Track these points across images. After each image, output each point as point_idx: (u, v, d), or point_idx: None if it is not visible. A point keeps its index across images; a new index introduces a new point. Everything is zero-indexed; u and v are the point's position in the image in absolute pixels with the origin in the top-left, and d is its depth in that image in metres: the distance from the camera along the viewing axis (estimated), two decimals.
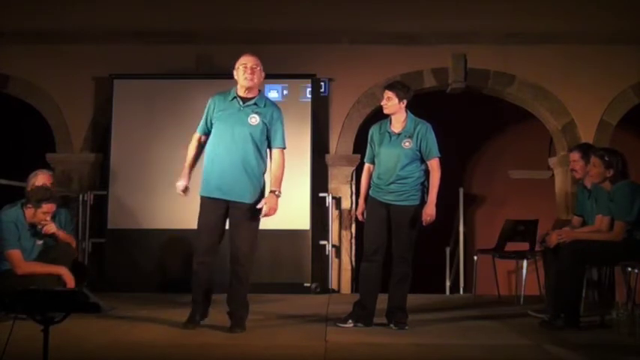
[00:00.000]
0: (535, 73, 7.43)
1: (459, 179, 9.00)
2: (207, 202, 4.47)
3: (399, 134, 4.71)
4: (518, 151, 9.44)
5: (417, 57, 7.44)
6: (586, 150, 5.35)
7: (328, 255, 7.18)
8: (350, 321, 4.66)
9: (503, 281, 7.23)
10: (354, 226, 7.33)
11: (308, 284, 6.88)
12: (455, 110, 8.19)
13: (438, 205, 4.65)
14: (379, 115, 5.06)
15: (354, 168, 7.37)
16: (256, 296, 5.15)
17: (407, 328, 4.60)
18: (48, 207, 4.88)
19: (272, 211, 4.43)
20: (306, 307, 5.78)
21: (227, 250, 4.49)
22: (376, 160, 4.80)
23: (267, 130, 4.48)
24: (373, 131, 4.85)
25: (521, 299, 6.07)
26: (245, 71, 4.43)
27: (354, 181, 7.32)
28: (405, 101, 4.74)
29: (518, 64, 7.43)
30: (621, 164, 4.83)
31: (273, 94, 6.99)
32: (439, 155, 4.73)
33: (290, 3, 7.45)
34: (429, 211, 4.62)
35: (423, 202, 4.67)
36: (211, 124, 4.52)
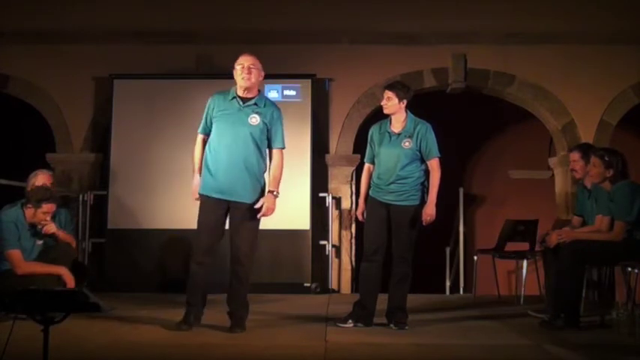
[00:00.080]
0: (535, 73, 7.43)
1: (459, 179, 9.00)
2: (207, 202, 4.46)
3: (399, 134, 4.71)
4: (518, 151, 9.44)
5: (417, 57, 7.44)
6: (586, 150, 5.35)
7: (328, 255, 7.18)
8: (350, 321, 4.66)
9: (503, 281, 7.23)
10: (354, 226, 7.33)
11: (308, 284, 6.88)
12: (455, 110, 8.19)
13: (438, 205, 4.65)
14: (379, 115, 5.06)
15: (354, 168, 7.38)
16: (256, 296, 5.15)
17: (407, 328, 4.60)
18: (48, 207, 4.89)
19: (269, 211, 4.44)
20: (306, 307, 5.78)
21: (227, 250, 4.50)
22: (376, 160, 4.80)
23: (268, 130, 4.48)
24: (373, 131, 4.86)
25: (521, 299, 6.07)
26: (242, 71, 4.42)
27: (354, 181, 7.32)
28: (405, 101, 4.74)
29: (518, 64, 7.43)
30: (621, 164, 4.83)
31: (273, 94, 6.99)
32: (439, 155, 4.73)
33: (290, 3, 7.45)
34: (429, 211, 4.62)
35: (423, 202, 4.67)
36: (211, 123, 4.52)
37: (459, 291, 7.55)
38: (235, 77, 4.47)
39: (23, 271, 4.78)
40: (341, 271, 7.31)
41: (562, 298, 4.68)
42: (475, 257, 6.61)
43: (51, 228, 5.00)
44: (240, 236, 4.44)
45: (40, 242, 5.01)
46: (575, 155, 5.44)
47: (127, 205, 7.07)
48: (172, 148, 6.92)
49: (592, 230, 4.97)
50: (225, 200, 4.43)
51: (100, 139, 7.50)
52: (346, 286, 7.28)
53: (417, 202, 4.67)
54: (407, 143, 4.67)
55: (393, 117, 4.77)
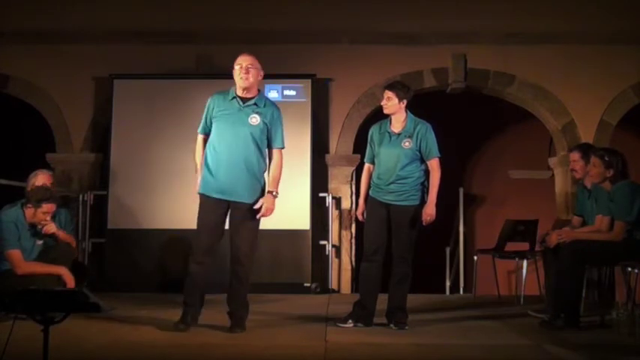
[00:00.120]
0: (535, 73, 7.43)
1: (459, 179, 9.00)
2: (207, 201, 4.46)
3: (398, 134, 4.71)
4: (518, 151, 9.43)
5: (417, 57, 7.44)
6: (586, 150, 5.35)
7: (328, 255, 7.18)
8: (350, 321, 4.66)
9: (503, 281, 7.22)
10: (354, 226, 7.33)
11: (308, 284, 6.88)
12: (455, 110, 8.19)
13: (438, 205, 4.65)
14: (379, 115, 5.06)
15: (354, 168, 7.37)
16: (256, 296, 5.15)
17: (407, 328, 4.60)
18: (48, 207, 4.88)
19: (269, 211, 4.44)
20: (306, 307, 5.78)
21: (227, 250, 4.49)
22: (376, 160, 4.80)
23: (268, 130, 4.48)
24: (373, 131, 4.86)
25: (521, 299, 6.07)
26: (241, 71, 4.42)
27: (354, 181, 7.32)
28: (405, 101, 4.74)
29: (518, 64, 7.43)
30: (621, 164, 4.83)
31: (273, 94, 6.99)
32: (439, 155, 4.73)
33: (290, 3, 7.46)
34: (429, 211, 4.62)
35: (423, 202, 4.67)
36: (211, 123, 4.51)
37: (459, 291, 7.54)
38: (234, 77, 4.48)
39: (23, 271, 4.78)
40: (341, 271, 7.31)
41: (562, 298, 4.68)
42: (475, 257, 6.61)
43: (51, 228, 5.00)
44: (241, 236, 4.44)
45: (40, 242, 5.01)
46: (575, 155, 5.44)
47: (127, 205, 7.07)
48: (172, 148, 6.92)
49: (592, 230, 4.97)
50: (226, 200, 4.42)
51: (100, 139, 7.50)
52: (346, 286, 7.28)
53: (417, 202, 4.67)
54: (407, 143, 4.67)
55: (393, 117, 4.77)
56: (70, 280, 4.84)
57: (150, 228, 6.98)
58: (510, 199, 9.10)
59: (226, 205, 4.44)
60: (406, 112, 4.78)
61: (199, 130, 4.57)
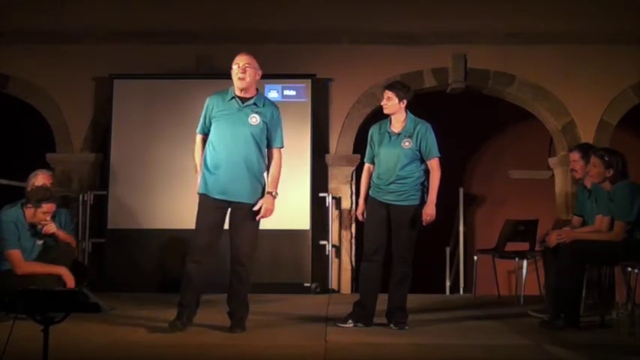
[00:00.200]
0: (535, 73, 7.44)
1: (459, 179, 8.99)
2: (207, 201, 4.44)
3: (398, 134, 4.71)
4: (518, 151, 9.43)
5: (417, 57, 7.44)
6: (586, 150, 5.35)
7: (328, 255, 7.18)
8: (350, 321, 4.66)
9: (503, 281, 7.23)
10: (354, 226, 7.33)
11: (308, 284, 6.88)
12: (455, 110, 8.19)
13: (438, 205, 4.65)
14: (379, 115, 5.06)
15: (354, 168, 7.38)
16: (256, 296, 5.15)
17: (407, 328, 4.60)
18: (48, 207, 4.89)
19: (268, 212, 4.43)
20: (306, 307, 5.78)
21: (227, 250, 4.49)
22: (376, 160, 4.80)
23: (267, 130, 4.48)
24: (373, 131, 4.85)
25: (521, 299, 6.07)
26: (238, 71, 4.42)
27: (354, 181, 7.32)
28: (405, 101, 4.74)
29: (518, 64, 7.43)
30: (621, 164, 4.83)
31: (273, 94, 6.99)
32: (439, 155, 4.73)
33: (290, 3, 7.46)
34: (429, 211, 4.62)
35: (423, 201, 4.67)
36: (210, 123, 4.51)
37: (459, 291, 7.54)
38: (232, 77, 4.47)
39: (23, 271, 4.78)
40: (341, 271, 7.31)
41: (562, 298, 4.68)
42: (475, 257, 6.62)
43: (51, 228, 5.00)
44: (241, 236, 4.43)
45: (40, 242, 5.01)
46: (575, 155, 5.44)
47: (127, 205, 7.07)
48: (172, 148, 6.92)
49: (592, 230, 4.97)
50: (226, 200, 4.42)
51: (100, 139, 7.50)
52: (346, 286, 7.28)
53: (416, 202, 4.67)
54: (407, 143, 4.67)
55: (393, 117, 4.77)
56: (70, 280, 4.84)
57: (150, 228, 6.99)
58: (510, 199, 9.10)
59: (226, 206, 4.44)
60: (406, 112, 4.78)
61: (198, 130, 4.57)
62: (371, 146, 4.85)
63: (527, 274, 6.16)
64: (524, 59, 7.41)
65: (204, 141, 4.54)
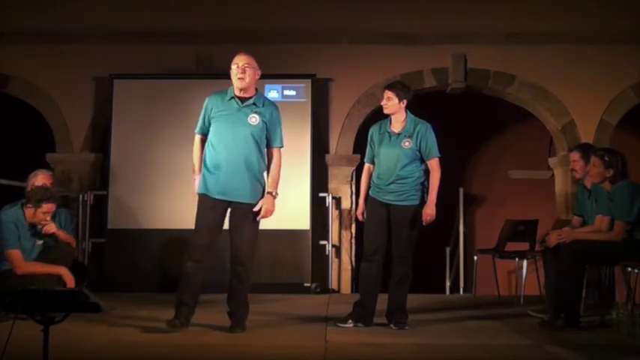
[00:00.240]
0: (535, 73, 7.44)
1: (459, 179, 8.99)
2: (206, 201, 4.44)
3: (398, 134, 4.71)
4: (518, 151, 9.43)
5: (417, 57, 7.44)
6: (586, 150, 5.35)
7: (328, 255, 7.18)
8: (350, 321, 4.66)
9: (503, 281, 7.22)
10: (354, 226, 7.33)
11: (308, 284, 6.88)
12: (455, 110, 8.19)
13: (438, 205, 4.65)
14: (379, 115, 5.06)
15: (354, 168, 7.37)
16: (256, 296, 5.15)
17: (407, 328, 4.60)
18: (48, 207, 4.88)
19: (268, 213, 4.43)
20: (306, 307, 5.78)
21: (227, 250, 4.49)
22: (376, 160, 4.80)
23: (267, 130, 4.48)
24: (373, 131, 4.85)
25: (521, 299, 6.07)
26: (237, 71, 4.42)
27: (354, 181, 7.32)
28: (405, 101, 4.74)
29: (518, 64, 7.43)
30: (621, 164, 4.83)
31: (273, 94, 6.99)
32: (439, 155, 4.73)
33: (290, 3, 7.46)
34: (429, 211, 4.62)
35: (423, 201, 4.67)
36: (209, 123, 4.50)
37: (459, 291, 7.54)
38: (232, 77, 4.47)
39: (23, 271, 4.77)
40: (341, 271, 7.31)
41: (562, 298, 4.68)
42: (475, 257, 6.62)
43: (51, 228, 5.00)
44: (241, 236, 4.43)
45: (40, 242, 5.01)
46: (575, 155, 5.44)
47: (127, 205, 7.07)
48: (172, 148, 6.92)
49: (592, 230, 4.97)
50: (226, 200, 4.42)
51: (100, 139, 7.50)
52: (346, 286, 7.28)
53: (417, 202, 4.67)
54: (407, 143, 4.67)
55: (393, 117, 4.77)
56: (70, 280, 4.84)
57: (150, 228, 6.99)
58: (510, 199, 9.10)
59: (226, 206, 4.44)
60: (406, 112, 4.78)
61: (197, 130, 4.56)
62: (371, 146, 4.85)
63: (527, 274, 6.16)
64: (524, 59, 7.41)
65: (203, 141, 4.53)
